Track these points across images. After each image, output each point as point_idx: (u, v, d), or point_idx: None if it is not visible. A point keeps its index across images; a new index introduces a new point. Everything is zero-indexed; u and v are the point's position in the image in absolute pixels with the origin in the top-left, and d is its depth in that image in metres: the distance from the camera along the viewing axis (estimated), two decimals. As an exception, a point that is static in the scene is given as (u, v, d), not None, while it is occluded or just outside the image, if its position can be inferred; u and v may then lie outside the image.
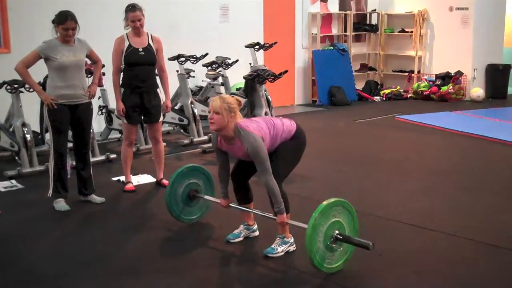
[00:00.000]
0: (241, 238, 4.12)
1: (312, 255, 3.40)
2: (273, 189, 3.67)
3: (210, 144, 7.03)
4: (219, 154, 3.95)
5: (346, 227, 3.57)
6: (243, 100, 3.82)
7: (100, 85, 6.87)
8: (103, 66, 6.42)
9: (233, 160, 4.00)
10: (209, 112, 3.72)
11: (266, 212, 3.94)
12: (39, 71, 5.03)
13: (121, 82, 5.20)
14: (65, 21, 4.60)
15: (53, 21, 4.69)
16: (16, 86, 5.93)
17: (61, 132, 4.77)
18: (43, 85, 5.16)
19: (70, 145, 5.02)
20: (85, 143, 4.96)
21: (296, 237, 3.91)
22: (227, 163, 3.99)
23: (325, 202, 3.48)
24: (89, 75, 5.20)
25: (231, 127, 3.70)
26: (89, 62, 5.11)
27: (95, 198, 5.03)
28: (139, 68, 5.11)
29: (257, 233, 4.19)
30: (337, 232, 3.50)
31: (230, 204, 4.11)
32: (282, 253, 3.83)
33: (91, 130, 6.16)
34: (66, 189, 4.92)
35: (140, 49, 5.11)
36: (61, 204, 4.84)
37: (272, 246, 3.84)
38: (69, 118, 4.77)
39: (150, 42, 5.17)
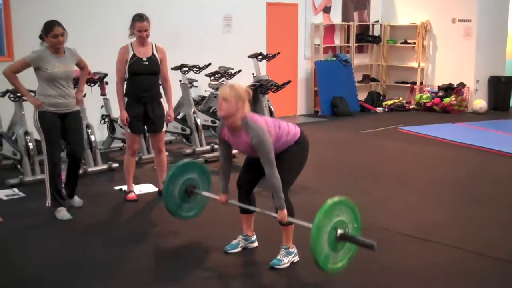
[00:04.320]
0: (239, 249, 4.08)
1: (317, 255, 3.31)
2: (275, 183, 3.59)
3: (212, 154, 7.03)
4: (223, 145, 3.91)
5: (349, 226, 3.47)
6: (251, 92, 3.79)
7: (103, 94, 6.89)
8: (106, 75, 6.46)
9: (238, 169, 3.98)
10: (219, 98, 3.67)
11: (268, 211, 3.85)
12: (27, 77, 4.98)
13: (125, 91, 5.20)
14: (52, 27, 4.63)
15: (40, 36, 4.71)
16: (19, 94, 5.92)
17: (54, 141, 4.79)
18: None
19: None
20: (78, 152, 4.96)
21: (299, 247, 3.89)
22: (231, 156, 3.97)
23: (329, 201, 3.39)
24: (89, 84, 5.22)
25: (239, 117, 3.64)
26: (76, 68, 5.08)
27: (75, 201, 5.09)
28: (143, 77, 5.12)
29: (255, 244, 4.15)
30: (341, 231, 3.40)
31: (230, 201, 4.01)
32: (288, 264, 3.81)
33: (95, 139, 6.21)
34: (62, 197, 4.92)
35: (144, 59, 5.11)
36: (63, 213, 4.83)
37: (278, 257, 3.82)
38: (60, 127, 4.78)
39: (155, 52, 5.18)
